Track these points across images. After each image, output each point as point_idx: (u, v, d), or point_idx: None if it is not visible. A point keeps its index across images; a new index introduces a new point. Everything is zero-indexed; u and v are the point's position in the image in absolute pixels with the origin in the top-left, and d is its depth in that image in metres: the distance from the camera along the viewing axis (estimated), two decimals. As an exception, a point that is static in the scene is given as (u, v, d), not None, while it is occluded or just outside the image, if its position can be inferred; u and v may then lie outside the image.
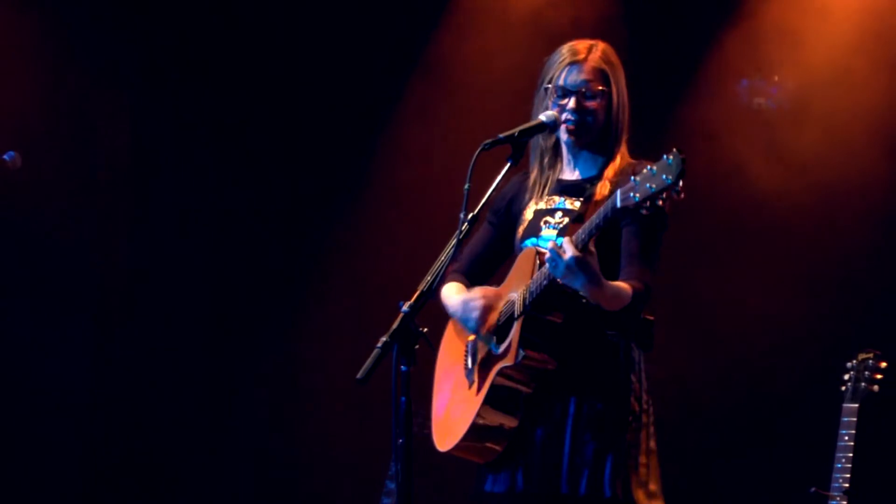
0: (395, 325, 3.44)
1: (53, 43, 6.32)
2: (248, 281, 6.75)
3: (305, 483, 6.67)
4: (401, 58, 6.63)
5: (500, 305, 3.99)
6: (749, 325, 6.10)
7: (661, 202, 3.49)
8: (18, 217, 6.21)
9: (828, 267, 6.00)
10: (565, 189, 4.01)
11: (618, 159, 3.97)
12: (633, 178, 3.53)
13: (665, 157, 3.48)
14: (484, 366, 3.96)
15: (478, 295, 4.00)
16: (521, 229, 4.04)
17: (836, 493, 4.86)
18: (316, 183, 6.73)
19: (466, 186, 3.59)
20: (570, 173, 4.05)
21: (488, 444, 3.94)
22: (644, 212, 3.54)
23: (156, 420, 6.63)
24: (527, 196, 4.09)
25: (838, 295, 5.99)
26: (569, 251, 3.64)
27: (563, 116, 3.96)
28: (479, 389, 3.95)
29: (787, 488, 5.64)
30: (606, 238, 3.81)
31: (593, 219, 3.66)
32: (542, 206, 4.02)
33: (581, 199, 3.95)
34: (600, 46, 4.01)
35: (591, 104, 3.96)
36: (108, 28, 6.50)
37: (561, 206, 3.98)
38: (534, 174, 4.10)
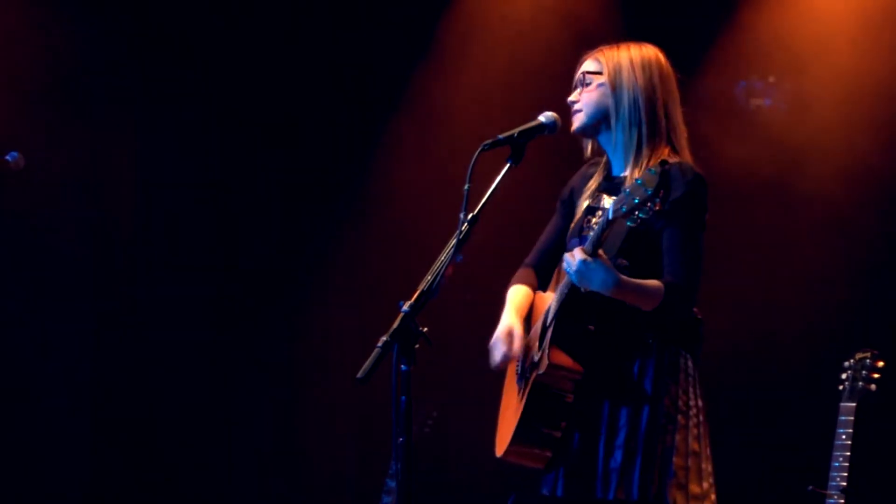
0: (395, 325, 3.45)
1: (55, 44, 6.34)
2: (248, 281, 6.76)
3: (307, 481, 6.69)
4: (402, 57, 6.64)
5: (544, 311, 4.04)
6: (746, 324, 6.11)
7: (645, 214, 3.51)
8: (21, 216, 6.23)
9: (824, 266, 6.01)
10: (607, 187, 4.04)
11: (645, 159, 3.94)
12: (624, 188, 3.58)
13: (650, 169, 3.52)
14: (528, 373, 4.00)
15: (509, 335, 4.03)
16: (571, 226, 4.08)
17: (833, 492, 4.88)
18: (316, 182, 6.74)
19: (466, 187, 3.60)
20: (614, 170, 4.07)
21: (536, 450, 3.97)
22: (631, 224, 3.56)
23: (157, 419, 6.64)
24: (585, 187, 4.11)
25: (835, 294, 6.01)
26: (577, 256, 3.69)
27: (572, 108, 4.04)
28: (522, 397, 3.99)
29: (784, 486, 5.66)
30: (644, 243, 3.85)
31: (596, 230, 3.71)
32: (590, 202, 4.05)
33: (616, 198, 3.99)
34: (625, 45, 4.04)
35: (583, 91, 4.01)
36: (109, 28, 6.51)
37: (601, 206, 4.01)
38: (601, 166, 4.13)
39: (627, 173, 3.95)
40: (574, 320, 3.86)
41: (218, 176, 6.77)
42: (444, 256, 3.58)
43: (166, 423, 6.66)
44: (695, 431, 3.90)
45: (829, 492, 4.89)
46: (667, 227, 3.85)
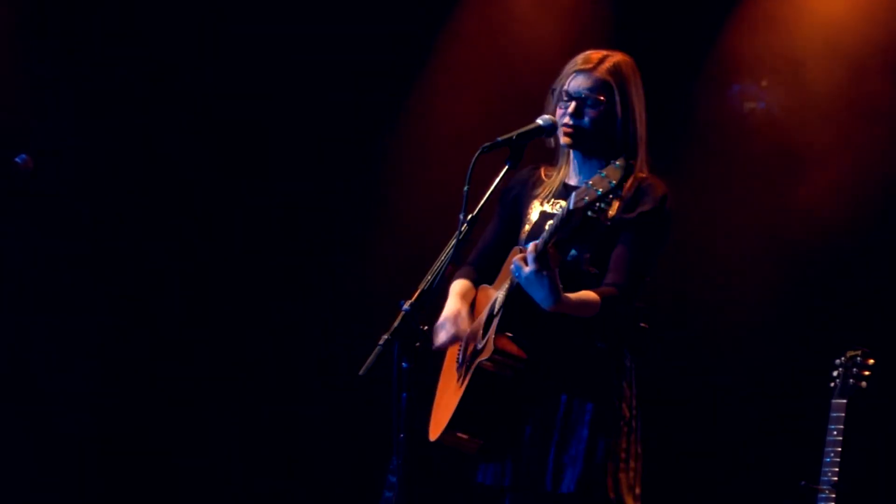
0: (396, 324, 3.53)
1: (57, 45, 6.39)
2: (250, 280, 6.76)
3: (310, 476, 6.71)
4: (405, 58, 6.67)
5: (488, 304, 4.08)
6: (739, 322, 6.15)
7: (607, 205, 3.61)
8: (25, 217, 6.27)
9: (817, 265, 6.06)
10: (565, 195, 4.06)
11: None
12: (586, 181, 3.65)
13: (613, 162, 3.61)
14: (470, 360, 4.05)
15: (457, 317, 4.10)
16: (525, 229, 4.12)
17: (825, 487, 4.93)
18: (319, 182, 6.76)
19: (465, 188, 3.67)
20: (575, 179, 4.12)
21: (470, 436, 4.04)
22: (591, 213, 3.64)
23: (158, 417, 6.67)
24: (532, 193, 4.17)
25: (827, 292, 6.05)
26: (530, 266, 3.73)
27: (563, 120, 4.04)
28: (461, 383, 4.05)
29: (777, 482, 5.71)
30: (607, 243, 3.92)
31: (553, 222, 3.76)
32: (547, 208, 4.10)
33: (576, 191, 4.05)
34: (614, 59, 4.07)
35: (589, 112, 4.02)
36: (111, 30, 6.56)
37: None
38: (544, 171, 4.19)
39: None
40: (519, 311, 3.91)
41: (219, 177, 6.79)
42: (444, 256, 3.65)
43: (168, 422, 6.69)
44: (639, 434, 4.01)
45: (820, 487, 4.96)
46: (625, 234, 3.93)
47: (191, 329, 6.75)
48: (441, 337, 4.10)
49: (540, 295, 3.76)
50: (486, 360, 3.92)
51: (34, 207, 6.26)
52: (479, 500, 4.30)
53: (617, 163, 3.60)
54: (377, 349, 3.52)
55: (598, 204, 3.62)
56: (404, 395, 3.52)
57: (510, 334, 3.92)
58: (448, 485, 5.91)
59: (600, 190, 3.60)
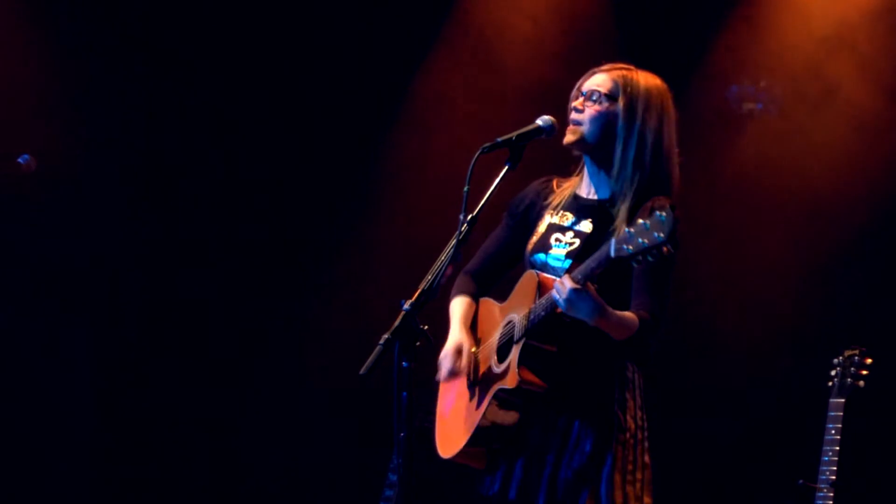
0: (396, 323, 3.53)
1: (60, 45, 6.40)
2: (251, 280, 6.77)
3: (310, 476, 6.73)
4: (405, 59, 6.69)
5: (500, 324, 4.08)
6: (737, 322, 6.18)
7: (654, 258, 3.53)
8: (24, 217, 6.29)
9: (814, 265, 6.08)
10: (580, 208, 4.07)
11: (640, 198, 3.97)
12: (627, 229, 3.56)
13: (658, 213, 3.50)
14: (485, 381, 4.05)
15: (458, 350, 4.12)
16: (532, 240, 4.10)
17: (823, 486, 4.96)
18: (319, 183, 6.77)
19: (465, 188, 3.66)
20: (586, 190, 4.10)
21: (481, 452, 4.08)
22: (635, 264, 3.59)
23: (157, 417, 6.68)
24: (544, 204, 4.15)
25: (825, 292, 6.07)
26: (568, 285, 3.71)
27: (569, 116, 4.05)
28: (478, 404, 4.05)
29: (775, 481, 5.73)
30: (617, 272, 3.86)
31: (589, 262, 3.71)
32: (556, 220, 4.09)
33: (594, 221, 4.02)
34: (638, 72, 4.05)
35: (590, 106, 4.02)
36: (113, 31, 6.57)
37: (572, 226, 4.04)
38: (556, 182, 4.19)
39: (620, 206, 3.97)
40: (541, 341, 3.92)
41: (222, 176, 6.81)
42: (444, 256, 3.65)
43: (167, 423, 6.69)
44: (646, 445, 4.01)
45: (818, 486, 4.98)
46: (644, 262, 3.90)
47: (191, 329, 6.76)
48: (442, 372, 4.13)
49: (585, 311, 3.74)
50: (508, 389, 3.92)
51: (33, 206, 6.27)
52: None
53: (663, 215, 3.49)
54: (378, 348, 3.52)
55: (640, 256, 3.54)
56: (405, 394, 3.52)
57: (530, 363, 3.91)
58: (449, 489, 5.94)
59: (646, 242, 3.50)
